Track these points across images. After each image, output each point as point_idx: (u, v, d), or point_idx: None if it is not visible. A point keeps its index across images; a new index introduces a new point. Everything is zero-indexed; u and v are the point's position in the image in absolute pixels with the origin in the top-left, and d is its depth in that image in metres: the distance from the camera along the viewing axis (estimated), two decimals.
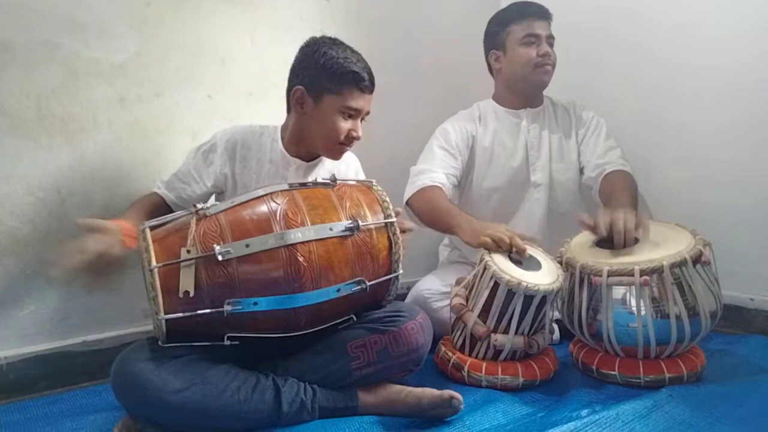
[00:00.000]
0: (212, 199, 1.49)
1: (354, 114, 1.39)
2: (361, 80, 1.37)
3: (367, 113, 1.43)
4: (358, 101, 1.38)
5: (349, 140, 1.41)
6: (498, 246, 1.43)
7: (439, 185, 1.68)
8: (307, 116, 1.40)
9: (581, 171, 1.83)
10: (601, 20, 2.05)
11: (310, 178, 1.39)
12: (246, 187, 1.43)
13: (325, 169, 1.50)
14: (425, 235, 1.73)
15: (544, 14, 1.79)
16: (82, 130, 1.47)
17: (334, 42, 1.40)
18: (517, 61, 1.79)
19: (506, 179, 1.81)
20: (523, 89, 1.83)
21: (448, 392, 1.17)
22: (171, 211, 1.40)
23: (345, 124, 1.38)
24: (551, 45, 1.79)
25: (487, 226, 1.48)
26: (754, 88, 1.69)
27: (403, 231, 1.28)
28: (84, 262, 1.10)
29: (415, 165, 1.77)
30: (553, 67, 1.79)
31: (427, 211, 1.65)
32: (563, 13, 1.84)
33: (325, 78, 1.36)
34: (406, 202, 1.71)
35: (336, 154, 1.45)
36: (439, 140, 1.79)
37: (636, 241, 1.41)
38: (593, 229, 1.45)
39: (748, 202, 1.70)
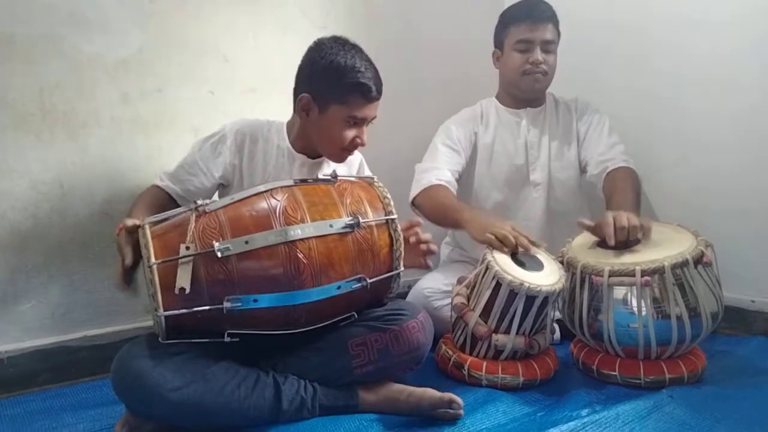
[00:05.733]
0: (215, 195, 1.49)
1: (359, 122, 1.37)
2: (368, 91, 1.33)
3: (374, 118, 1.41)
4: (363, 111, 1.35)
5: (354, 146, 1.40)
6: (503, 244, 1.41)
7: (445, 183, 1.68)
8: (312, 123, 1.38)
9: (584, 168, 1.82)
10: (601, 28, 2.03)
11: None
12: (252, 181, 1.42)
13: (331, 165, 1.48)
14: (427, 232, 1.73)
15: (543, 18, 1.73)
16: (85, 124, 1.48)
17: (342, 46, 1.35)
18: (508, 66, 1.78)
19: (506, 178, 1.81)
20: (515, 92, 1.82)
21: (448, 395, 1.17)
22: (175, 204, 1.39)
23: (350, 132, 1.37)
24: (549, 50, 1.74)
25: (494, 222, 1.46)
26: (756, 91, 1.67)
27: (412, 227, 1.30)
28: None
29: (420, 162, 1.77)
30: (546, 73, 1.75)
31: (434, 208, 1.65)
32: (564, 20, 1.80)
33: (332, 88, 1.33)
34: (412, 201, 1.70)
35: (339, 159, 1.44)
36: (443, 137, 1.79)
37: (637, 241, 1.41)
38: (594, 230, 1.44)
39: (750, 205, 1.69)
